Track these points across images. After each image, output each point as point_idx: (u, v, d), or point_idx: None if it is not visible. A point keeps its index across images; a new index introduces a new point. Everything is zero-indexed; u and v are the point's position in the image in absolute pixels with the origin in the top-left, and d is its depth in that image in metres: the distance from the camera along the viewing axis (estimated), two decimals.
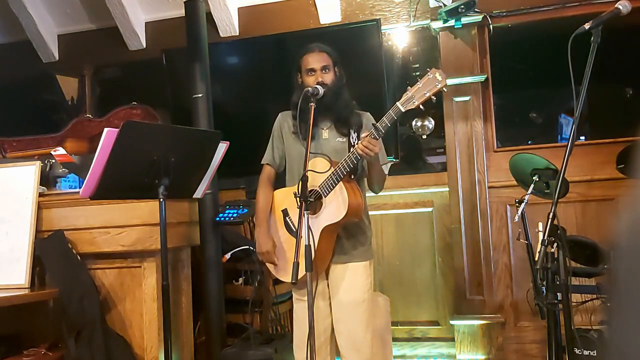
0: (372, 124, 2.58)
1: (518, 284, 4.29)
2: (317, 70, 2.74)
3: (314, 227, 2.56)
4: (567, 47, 2.25)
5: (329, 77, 2.74)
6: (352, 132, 2.78)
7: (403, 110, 2.49)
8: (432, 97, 2.48)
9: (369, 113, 2.91)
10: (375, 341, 2.88)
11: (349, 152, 2.70)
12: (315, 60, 2.75)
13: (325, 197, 2.62)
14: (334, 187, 2.60)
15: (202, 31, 4.12)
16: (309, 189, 2.58)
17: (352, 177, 2.70)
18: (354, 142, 2.76)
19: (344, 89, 2.80)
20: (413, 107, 2.48)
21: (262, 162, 2.95)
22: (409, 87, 2.50)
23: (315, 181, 2.61)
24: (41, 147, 4.39)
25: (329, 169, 2.61)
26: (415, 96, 2.48)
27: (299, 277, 2.44)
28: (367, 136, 2.51)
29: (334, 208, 2.61)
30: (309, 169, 2.52)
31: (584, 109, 4.61)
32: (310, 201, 2.54)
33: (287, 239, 2.75)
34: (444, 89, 2.49)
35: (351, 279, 2.73)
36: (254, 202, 3.94)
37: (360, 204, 2.67)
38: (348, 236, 2.75)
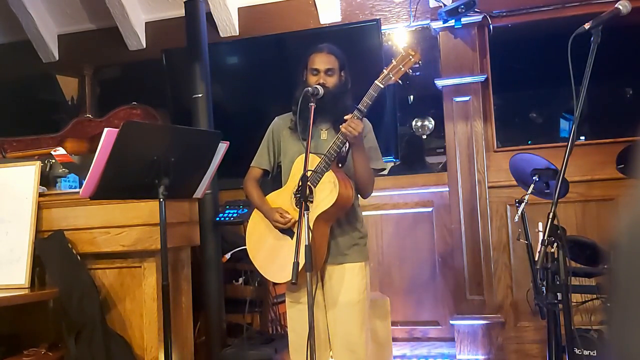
0: (355, 106, 2.61)
1: (518, 284, 4.29)
2: (321, 72, 2.73)
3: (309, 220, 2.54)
4: (567, 47, 2.25)
5: (331, 80, 2.73)
6: None
7: (382, 86, 2.59)
8: (407, 70, 2.60)
9: (366, 119, 2.91)
10: (369, 343, 2.85)
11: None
12: (321, 61, 2.75)
13: (315, 187, 2.61)
14: (322, 176, 2.60)
15: (202, 31, 4.12)
16: (299, 185, 2.59)
17: (340, 165, 2.69)
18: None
19: (346, 94, 2.79)
20: (391, 82, 2.60)
21: (252, 165, 2.90)
22: (384, 67, 2.62)
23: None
24: (41, 147, 4.39)
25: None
26: (391, 72, 2.59)
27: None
28: (350, 116, 2.56)
29: (325, 195, 2.60)
30: (308, 169, 2.52)
31: (584, 109, 4.60)
32: (311, 201, 2.54)
33: (280, 240, 2.70)
34: (418, 62, 2.60)
35: (347, 280, 2.71)
36: None
37: (349, 190, 2.65)
38: (343, 236, 2.74)
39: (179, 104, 4.73)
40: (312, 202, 2.58)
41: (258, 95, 4.83)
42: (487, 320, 4.20)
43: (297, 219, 2.54)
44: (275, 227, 2.70)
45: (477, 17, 4.34)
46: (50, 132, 4.68)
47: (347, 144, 2.62)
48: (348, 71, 2.82)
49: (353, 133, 2.54)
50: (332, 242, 2.71)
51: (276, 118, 2.93)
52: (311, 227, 2.53)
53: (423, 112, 6.21)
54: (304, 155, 2.60)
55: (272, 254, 2.72)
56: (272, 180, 2.94)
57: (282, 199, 2.72)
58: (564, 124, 6.01)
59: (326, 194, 2.60)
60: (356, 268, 2.74)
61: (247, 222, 2.91)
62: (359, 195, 2.81)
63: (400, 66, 2.58)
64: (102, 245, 3.23)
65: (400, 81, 2.61)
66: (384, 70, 2.60)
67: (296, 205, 2.62)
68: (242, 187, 2.95)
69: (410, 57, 2.58)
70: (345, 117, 2.57)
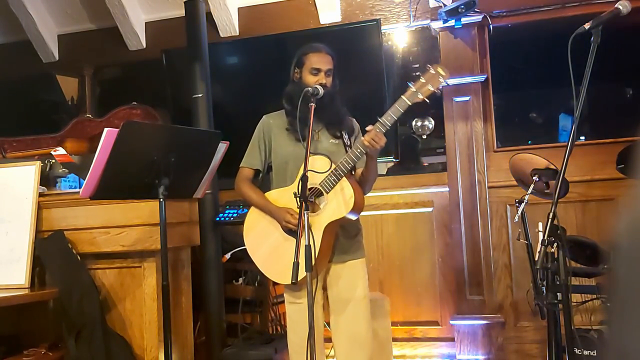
0: (377, 118, 2.55)
1: (518, 284, 4.29)
2: (322, 72, 2.72)
3: (315, 225, 2.55)
4: (567, 47, 2.25)
5: (329, 81, 2.73)
6: (344, 134, 2.78)
7: (410, 103, 2.51)
8: (436, 90, 2.52)
9: (354, 120, 2.90)
10: (374, 340, 2.88)
11: (345, 153, 2.69)
12: (322, 61, 2.73)
13: (326, 194, 2.60)
14: (335, 184, 2.58)
15: (202, 31, 4.12)
16: (308, 187, 2.55)
17: (352, 173, 2.69)
18: (348, 144, 2.76)
19: (338, 94, 2.79)
20: (418, 100, 2.52)
21: (243, 165, 2.85)
22: (411, 82, 2.54)
23: (314, 179, 2.58)
24: (41, 147, 4.39)
25: (329, 168, 2.61)
26: (419, 90, 2.51)
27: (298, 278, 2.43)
28: (373, 129, 2.51)
29: (337, 204, 2.59)
30: (309, 168, 2.50)
31: (584, 109, 4.60)
32: (311, 201, 2.53)
33: (286, 240, 2.69)
34: (446, 82, 2.54)
35: (351, 277, 2.73)
36: None
37: (363, 200, 2.66)
38: (345, 235, 2.74)
39: (179, 104, 4.73)
40: (318, 205, 2.60)
41: (258, 96, 4.82)
42: (487, 320, 4.19)
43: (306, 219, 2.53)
44: (286, 227, 2.66)
45: (477, 17, 4.34)
46: (50, 132, 4.67)
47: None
48: (337, 73, 2.81)
49: (376, 147, 2.52)
50: (335, 241, 2.71)
51: (264, 117, 2.90)
52: (321, 234, 2.56)
53: (423, 112, 6.21)
54: (316, 156, 2.60)
55: (275, 254, 2.70)
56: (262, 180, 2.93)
57: (287, 199, 2.69)
58: (564, 120, 5.98)
59: (340, 202, 2.59)
60: (358, 264, 2.77)
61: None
62: None
63: (429, 85, 2.51)
64: (102, 245, 3.23)
65: (427, 100, 2.53)
66: (411, 87, 2.53)
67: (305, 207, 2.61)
68: (235, 189, 2.90)
69: (440, 76, 2.51)
70: (367, 129, 2.54)
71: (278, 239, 2.71)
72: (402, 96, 2.53)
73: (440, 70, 2.51)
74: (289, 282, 2.42)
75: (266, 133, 2.85)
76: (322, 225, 2.59)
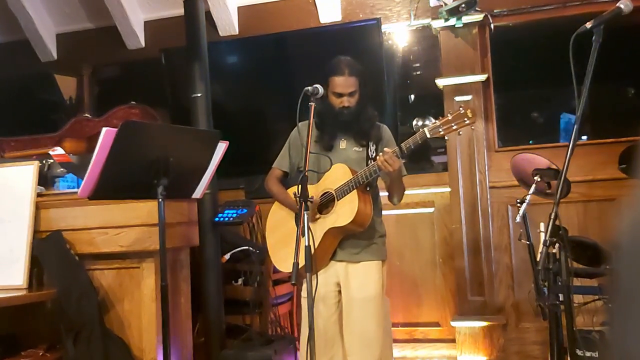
0: (398, 145, 2.65)
1: (519, 284, 4.27)
2: (345, 96, 2.78)
3: (320, 226, 2.69)
4: (569, 47, 2.23)
5: (354, 100, 2.80)
6: (370, 144, 2.84)
7: (429, 136, 2.59)
8: (458, 131, 2.61)
9: (386, 126, 2.98)
10: (384, 339, 2.92)
11: (366, 162, 2.79)
12: (344, 85, 2.78)
13: (337, 200, 2.71)
14: (347, 193, 2.69)
15: (202, 30, 4.11)
16: (325, 191, 2.74)
17: (368, 189, 2.76)
18: (372, 154, 2.82)
19: (367, 104, 2.86)
20: (438, 135, 2.60)
21: (273, 166, 3.01)
22: (440, 117, 2.62)
23: (333, 184, 2.73)
24: (39, 146, 4.38)
25: (328, 168, 2.72)
26: (442, 126, 2.58)
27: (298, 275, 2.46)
28: (391, 152, 2.59)
29: (342, 213, 2.69)
30: (325, 172, 2.68)
31: (586, 109, 4.58)
32: (310, 201, 2.58)
33: (293, 231, 2.79)
34: (472, 127, 2.63)
35: (363, 277, 2.79)
36: (253, 202, 3.95)
37: (367, 216, 2.72)
38: (359, 236, 2.80)
39: (178, 104, 4.72)
40: (330, 210, 2.72)
41: (258, 95, 4.82)
42: (489, 322, 4.18)
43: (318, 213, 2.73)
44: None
45: (478, 16, 4.33)
46: (48, 132, 4.68)
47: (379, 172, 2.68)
48: (367, 80, 2.87)
49: (388, 169, 2.60)
50: (350, 241, 2.79)
51: (300, 123, 2.92)
52: (321, 236, 2.68)
53: (424, 112, 6.20)
54: (339, 164, 2.72)
55: (283, 241, 2.85)
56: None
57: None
58: (565, 119, 5.96)
59: (344, 212, 2.69)
60: (373, 266, 2.82)
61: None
62: (378, 198, 2.91)
63: (454, 124, 2.57)
64: (101, 245, 3.22)
65: (447, 138, 2.65)
66: (436, 121, 2.60)
67: (318, 212, 2.76)
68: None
69: (466, 119, 2.56)
70: (387, 150, 2.61)
71: (290, 229, 2.86)
72: (424, 128, 2.60)
73: (468, 112, 2.57)
74: (286, 270, 2.56)
75: (298, 140, 2.93)
76: (325, 228, 2.71)
